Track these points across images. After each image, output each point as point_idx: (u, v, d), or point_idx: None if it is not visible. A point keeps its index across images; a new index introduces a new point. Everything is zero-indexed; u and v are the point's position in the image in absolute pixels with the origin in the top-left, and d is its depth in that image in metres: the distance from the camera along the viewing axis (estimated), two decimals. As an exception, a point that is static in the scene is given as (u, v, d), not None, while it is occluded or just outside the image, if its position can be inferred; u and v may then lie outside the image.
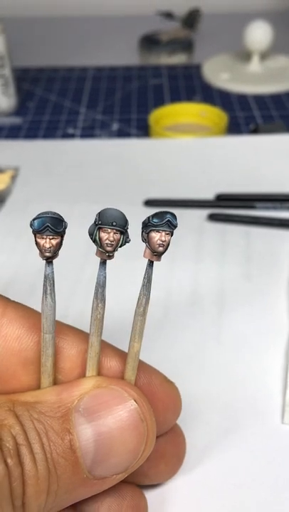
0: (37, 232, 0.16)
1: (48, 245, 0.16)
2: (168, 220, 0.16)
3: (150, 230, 0.16)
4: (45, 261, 0.16)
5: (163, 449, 0.20)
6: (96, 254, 0.16)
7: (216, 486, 0.22)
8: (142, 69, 0.69)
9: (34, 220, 0.16)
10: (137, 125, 0.55)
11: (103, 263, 0.17)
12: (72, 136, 0.53)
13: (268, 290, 0.33)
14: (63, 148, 0.49)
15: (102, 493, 0.18)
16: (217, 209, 0.39)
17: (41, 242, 0.16)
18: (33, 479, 0.15)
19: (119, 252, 0.17)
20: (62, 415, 0.16)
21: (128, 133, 0.54)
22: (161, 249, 0.16)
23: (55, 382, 0.18)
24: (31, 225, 0.16)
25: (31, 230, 0.16)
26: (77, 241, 0.29)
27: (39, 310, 0.19)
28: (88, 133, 0.54)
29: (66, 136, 0.53)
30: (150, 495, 0.22)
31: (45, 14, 0.89)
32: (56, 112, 0.58)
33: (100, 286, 0.17)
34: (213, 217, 0.38)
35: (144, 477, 0.20)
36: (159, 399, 0.19)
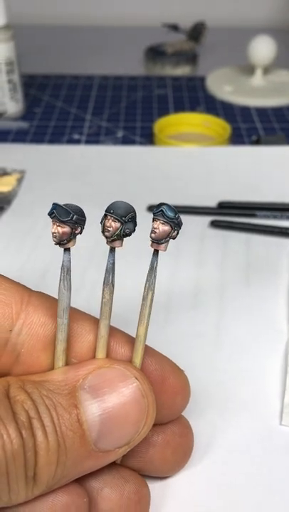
0: (49, 216, 0.17)
1: (53, 230, 0.17)
2: (161, 210, 0.17)
3: (152, 219, 0.17)
4: (62, 249, 0.17)
5: (170, 437, 0.21)
6: (106, 241, 0.18)
7: (213, 486, 0.23)
8: (147, 79, 0.70)
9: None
10: (141, 133, 0.56)
11: (111, 251, 0.18)
12: (77, 141, 0.54)
13: (267, 296, 0.33)
14: (68, 154, 0.50)
15: (107, 475, 0.19)
16: (219, 216, 0.40)
17: (52, 227, 0.17)
18: (45, 450, 0.16)
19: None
20: (69, 392, 0.17)
21: (133, 140, 0.54)
22: (152, 235, 0.17)
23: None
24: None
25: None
26: (80, 243, 0.29)
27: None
28: (93, 139, 0.55)
29: (71, 141, 0.54)
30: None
31: (54, 23, 0.91)
32: (62, 117, 0.59)
33: (108, 272, 0.18)
34: (215, 224, 0.39)
35: (151, 464, 0.21)
36: (170, 384, 0.20)
